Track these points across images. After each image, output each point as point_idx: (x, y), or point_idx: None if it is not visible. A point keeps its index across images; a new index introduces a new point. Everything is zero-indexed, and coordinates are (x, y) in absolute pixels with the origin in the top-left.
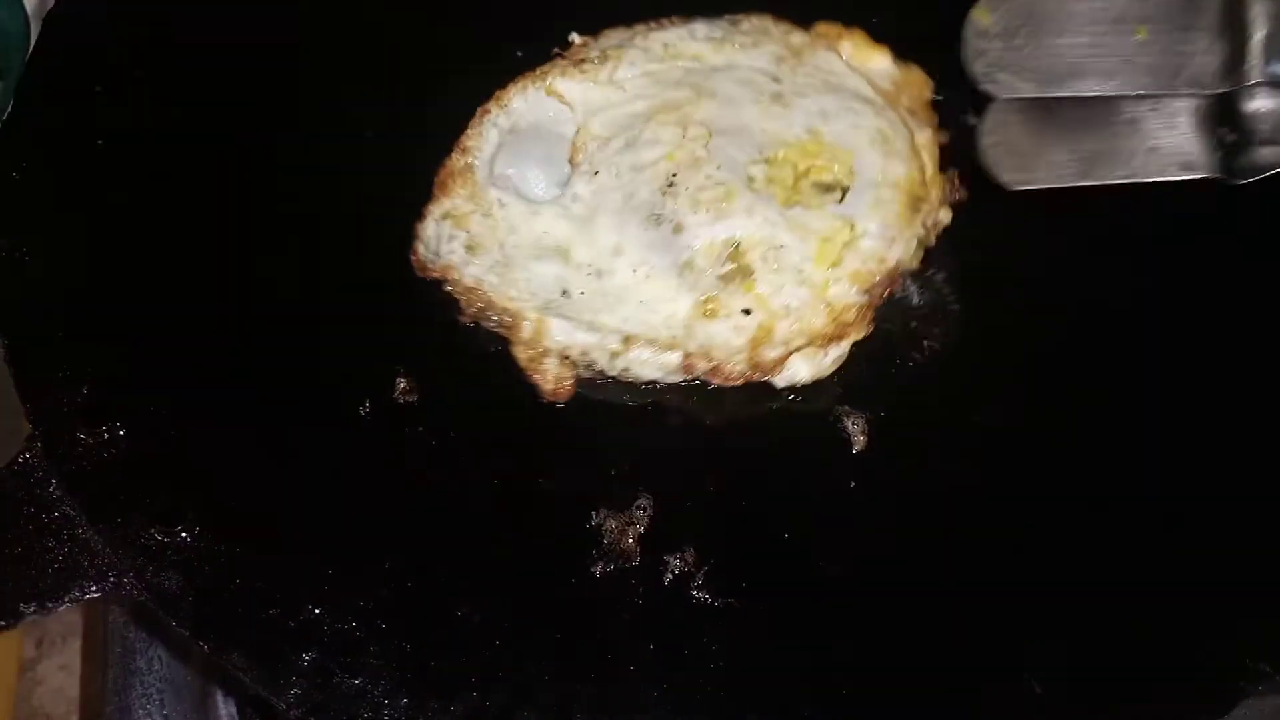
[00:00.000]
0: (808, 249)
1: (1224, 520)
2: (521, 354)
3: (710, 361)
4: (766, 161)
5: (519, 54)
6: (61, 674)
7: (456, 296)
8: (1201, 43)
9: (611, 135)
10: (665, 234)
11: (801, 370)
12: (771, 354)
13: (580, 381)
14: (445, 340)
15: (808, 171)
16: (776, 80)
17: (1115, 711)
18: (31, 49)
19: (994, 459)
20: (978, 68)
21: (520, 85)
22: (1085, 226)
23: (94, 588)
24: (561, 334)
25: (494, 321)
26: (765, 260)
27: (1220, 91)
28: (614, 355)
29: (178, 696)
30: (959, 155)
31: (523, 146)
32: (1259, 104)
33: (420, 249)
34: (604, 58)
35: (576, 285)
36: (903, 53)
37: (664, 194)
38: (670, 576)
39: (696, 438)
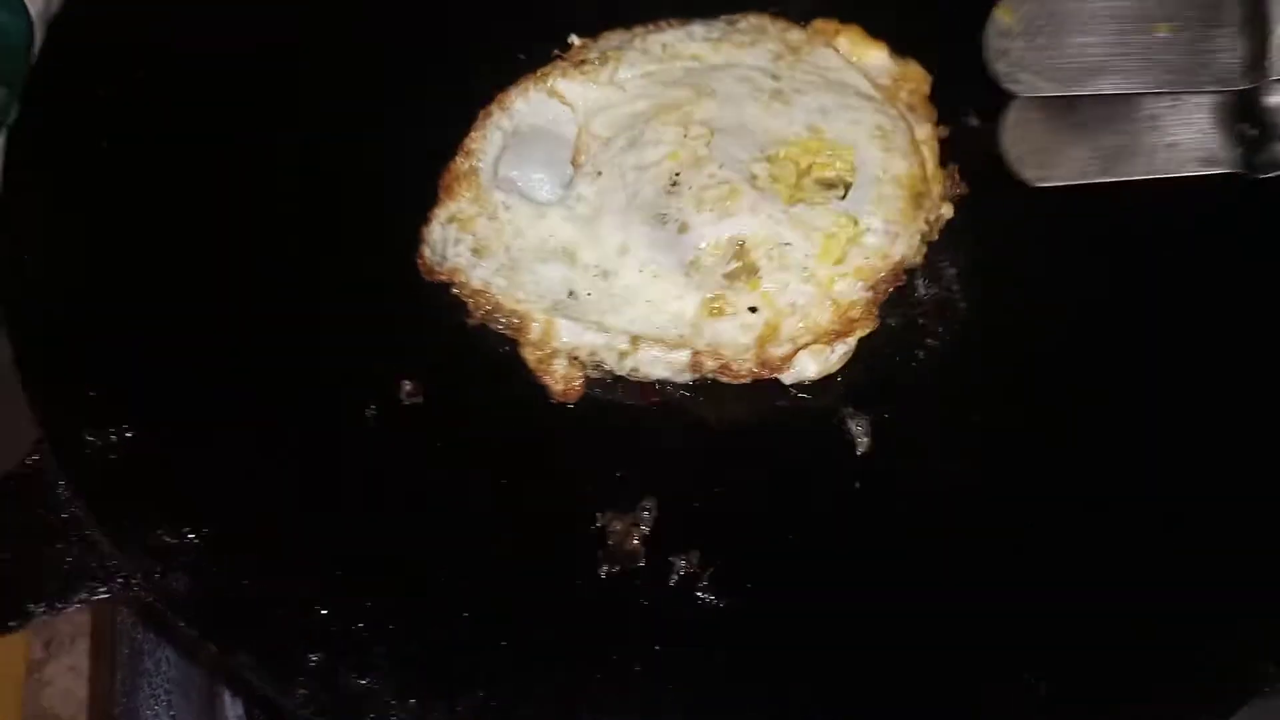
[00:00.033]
0: (812, 246)
1: (1230, 519)
2: (530, 355)
3: (718, 360)
4: (768, 159)
5: (521, 57)
6: (69, 675)
7: (464, 299)
8: (1224, 39)
9: (613, 135)
10: (670, 233)
11: (809, 367)
12: (779, 351)
13: (589, 382)
14: (452, 343)
15: (810, 168)
16: (775, 78)
17: (1118, 712)
18: (36, 54)
19: (998, 460)
20: (1000, 67)
21: (522, 87)
22: (1090, 221)
23: (102, 589)
24: (570, 335)
25: (502, 323)
26: (770, 258)
27: (1242, 87)
28: (623, 355)
29: (185, 697)
30: (960, 150)
31: (526, 148)
32: None
33: (426, 252)
34: (604, 59)
35: (583, 286)
36: (900, 48)
37: (668, 193)
38: (675, 578)
39: (701, 440)
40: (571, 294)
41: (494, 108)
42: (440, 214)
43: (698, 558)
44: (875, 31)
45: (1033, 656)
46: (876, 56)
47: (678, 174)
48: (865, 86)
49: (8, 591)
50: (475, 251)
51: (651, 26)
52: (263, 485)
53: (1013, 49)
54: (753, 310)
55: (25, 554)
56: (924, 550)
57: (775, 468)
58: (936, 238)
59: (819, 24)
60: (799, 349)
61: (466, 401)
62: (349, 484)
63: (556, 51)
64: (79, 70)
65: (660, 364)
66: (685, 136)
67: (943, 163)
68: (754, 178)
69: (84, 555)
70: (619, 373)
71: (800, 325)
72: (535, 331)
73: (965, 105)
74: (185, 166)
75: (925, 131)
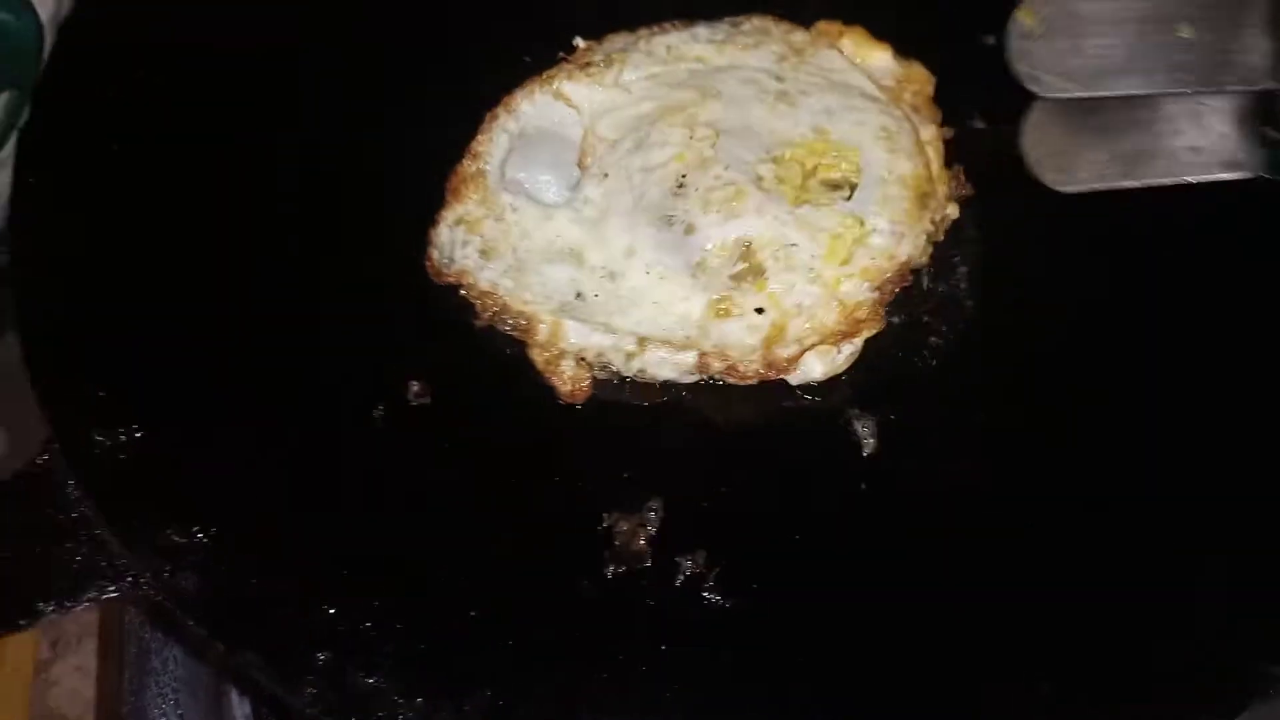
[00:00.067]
0: (818, 247)
1: (1234, 520)
2: (538, 356)
3: (725, 361)
4: (774, 160)
5: (527, 59)
6: (76, 675)
7: (472, 300)
8: (1247, 40)
9: (619, 138)
10: (677, 235)
11: (815, 368)
12: (785, 352)
13: (596, 383)
14: (460, 344)
15: (815, 170)
16: (780, 79)
17: (1121, 713)
18: (46, 57)
19: (1003, 461)
20: (1022, 68)
21: (528, 90)
22: (1095, 221)
23: (112, 588)
24: (577, 336)
25: (509, 325)
26: (777, 259)
27: (1265, 89)
28: (630, 356)
29: (193, 697)
30: (964, 151)
31: (532, 151)
32: None
33: (434, 254)
34: (609, 61)
35: (590, 287)
36: (904, 50)
37: (674, 195)
38: (682, 578)
39: (708, 441)
40: (579, 295)
41: (500, 110)
42: (448, 216)
43: (704, 558)
44: (879, 33)
45: (1037, 656)
46: (880, 58)
47: (684, 176)
48: (870, 88)
49: (18, 590)
50: (483, 253)
51: (655, 28)
52: (271, 485)
53: (1034, 50)
54: (759, 311)
55: (35, 553)
56: (929, 551)
57: (781, 468)
58: (942, 238)
59: (823, 26)
60: (805, 350)
61: (474, 402)
62: (357, 484)
63: (561, 54)
64: (89, 73)
65: (667, 365)
66: (691, 138)
67: (948, 164)
68: (760, 179)
69: (93, 554)
70: (626, 374)
71: (807, 326)
72: (543, 333)
73: (969, 106)
74: (194, 169)
75: (930, 132)
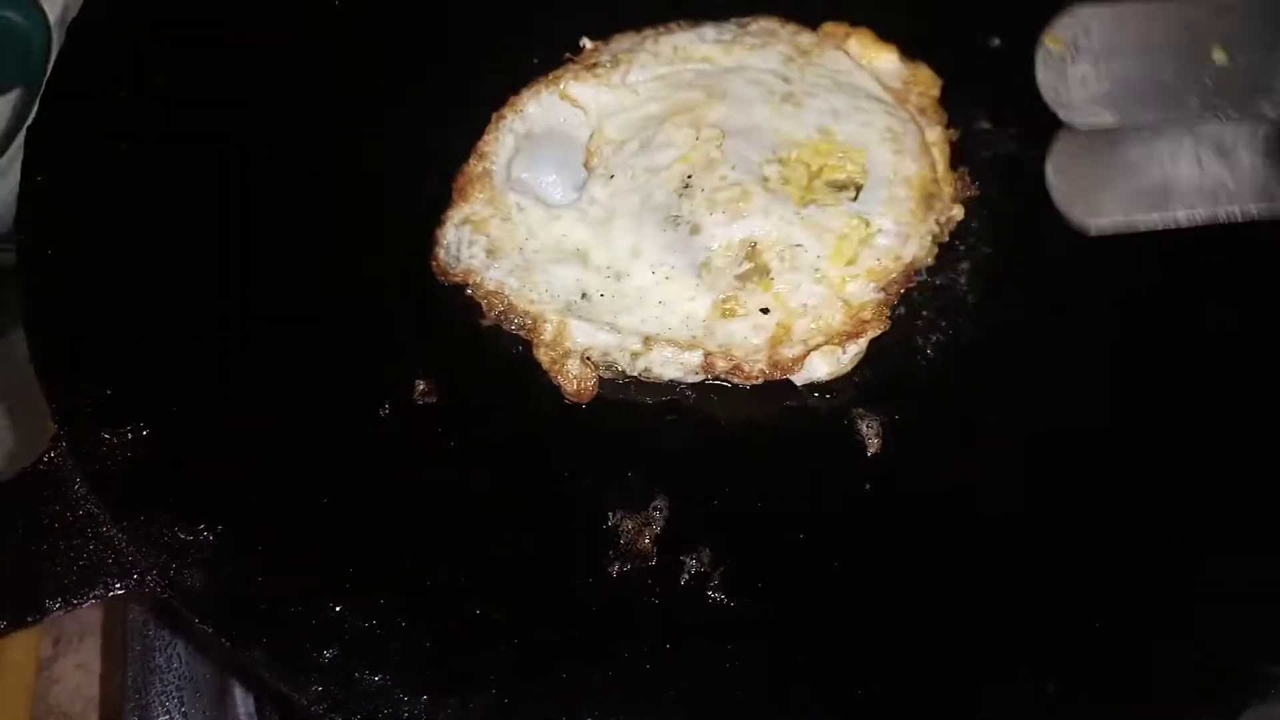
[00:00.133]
0: (824, 247)
1: (1236, 519)
2: (544, 356)
3: (730, 361)
4: (780, 161)
5: (535, 60)
6: (79, 672)
7: (478, 300)
8: None
9: (626, 138)
10: (682, 235)
11: (820, 368)
12: (790, 352)
13: (601, 382)
14: (466, 343)
15: (821, 170)
16: (786, 80)
17: (1121, 713)
18: (55, 57)
19: (1005, 462)
20: (1053, 97)
21: (534, 90)
22: None
23: (118, 585)
24: (583, 335)
25: (515, 324)
26: (782, 259)
27: None
28: (635, 356)
29: (196, 694)
30: (970, 153)
31: (539, 151)
32: None
33: (441, 254)
34: (615, 62)
35: (596, 287)
36: (910, 51)
37: (680, 195)
38: (686, 577)
39: (712, 440)
40: (584, 295)
41: (507, 111)
42: (454, 216)
43: (708, 557)
44: (886, 35)
45: (1038, 656)
46: (887, 60)
47: (690, 176)
48: (876, 89)
49: (24, 587)
50: (489, 253)
51: (662, 29)
52: (277, 483)
53: (1064, 78)
54: (764, 311)
55: (41, 550)
56: (932, 550)
57: (786, 468)
58: (947, 239)
59: (829, 27)
60: (810, 350)
61: (479, 401)
62: (363, 482)
63: (568, 55)
64: (96, 73)
65: (672, 364)
66: (697, 139)
67: (953, 165)
68: (765, 180)
69: (99, 551)
70: (631, 373)
71: (812, 326)
72: (548, 332)
73: (975, 108)
74: (202, 168)
75: (936, 134)
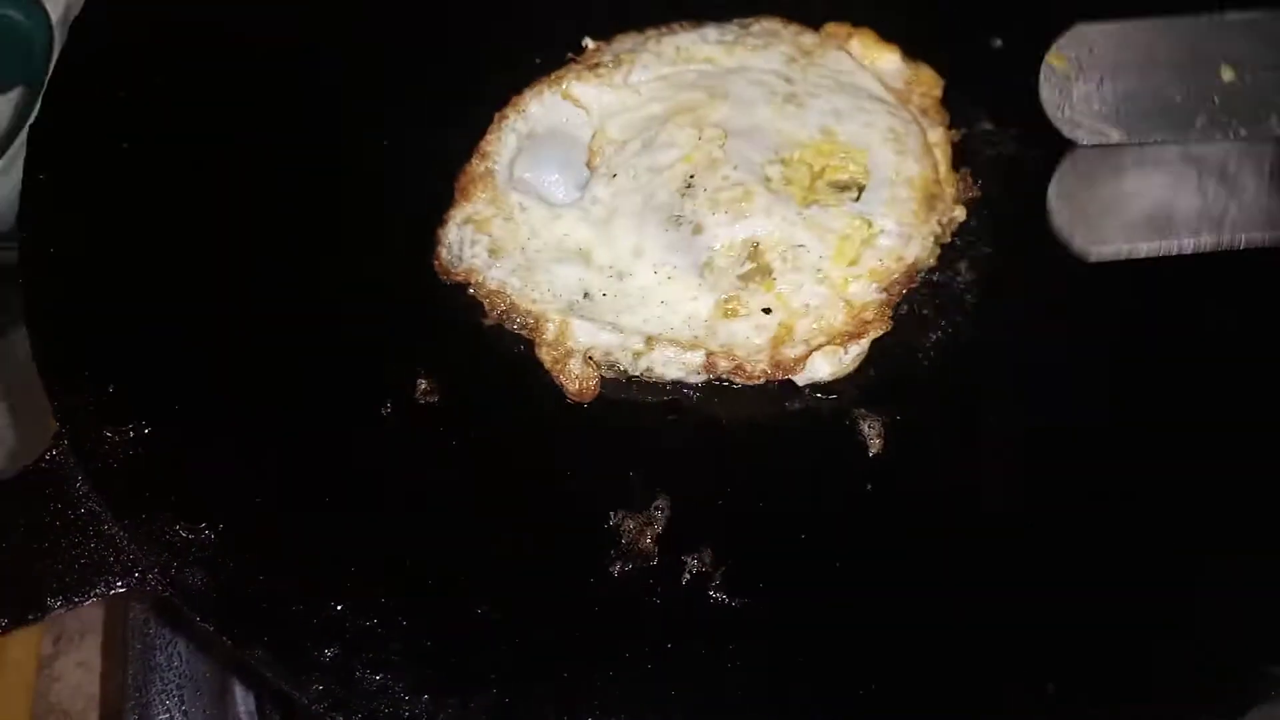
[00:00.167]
0: (826, 247)
1: (1236, 519)
2: (546, 355)
3: (732, 360)
4: (783, 161)
5: (537, 60)
6: (79, 670)
7: (480, 299)
8: None
9: (628, 138)
10: (685, 235)
11: (822, 368)
12: (792, 352)
13: (603, 382)
14: (468, 342)
15: (823, 171)
16: (789, 81)
17: (1121, 713)
18: (57, 56)
19: (1006, 462)
20: (1058, 115)
21: (537, 90)
22: None
23: (119, 583)
24: (585, 335)
25: (517, 323)
26: (784, 259)
27: None
28: (637, 355)
29: (197, 692)
30: (972, 153)
31: (541, 151)
32: None
33: (443, 253)
34: (618, 62)
35: (598, 287)
36: (912, 52)
37: (682, 195)
38: (688, 576)
39: (714, 440)
40: (586, 295)
41: (509, 110)
42: (456, 215)
43: (710, 557)
44: (888, 35)
45: (1038, 656)
46: (889, 60)
47: (692, 176)
48: (878, 90)
49: (26, 585)
50: (491, 252)
51: (664, 29)
52: (279, 481)
53: (1069, 96)
54: (767, 311)
55: (43, 548)
56: (933, 551)
57: (788, 468)
58: (949, 240)
59: (831, 28)
60: (812, 350)
61: (481, 400)
62: (364, 481)
63: (570, 55)
64: (99, 72)
65: (674, 364)
66: (699, 139)
67: (955, 166)
68: (768, 180)
69: (101, 549)
70: (633, 373)
71: (814, 326)
72: (550, 331)
73: (978, 109)
74: (204, 168)
75: (938, 135)
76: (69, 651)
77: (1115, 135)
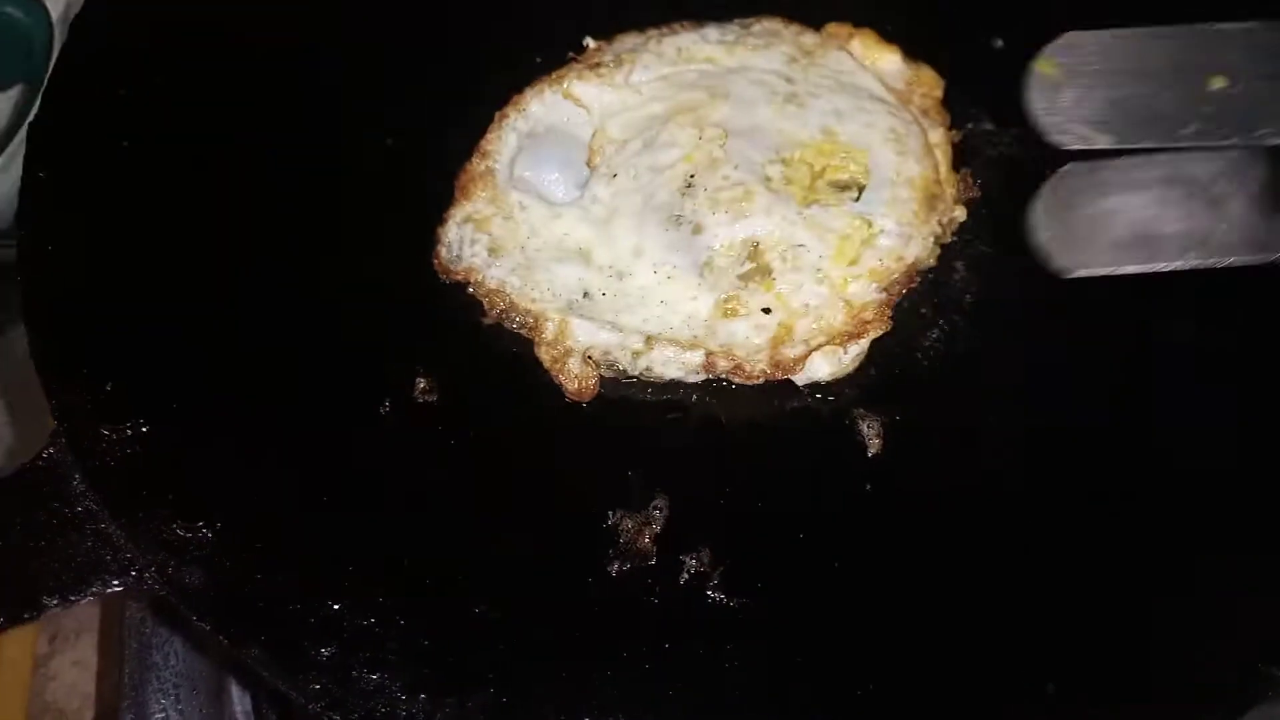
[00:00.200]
0: (826, 247)
1: (1236, 519)
2: (545, 355)
3: (732, 360)
4: (783, 161)
5: (538, 60)
6: (75, 669)
7: (479, 299)
8: None
9: (629, 138)
10: (685, 234)
11: (822, 368)
12: (792, 352)
13: (603, 381)
14: (467, 341)
15: (824, 171)
16: (789, 81)
17: (1121, 713)
18: (57, 54)
19: (1006, 462)
20: (1045, 120)
21: (537, 89)
22: None
23: (116, 581)
24: (584, 334)
25: (517, 323)
26: (784, 259)
27: None
28: (636, 355)
29: (193, 691)
30: (972, 154)
31: (541, 150)
32: None
33: (442, 252)
34: (619, 61)
35: (598, 286)
36: (913, 53)
37: (683, 195)
38: (686, 576)
39: (713, 440)
40: (586, 294)
41: (510, 109)
42: (456, 214)
43: (708, 557)
44: (889, 36)
45: (1038, 656)
46: (890, 61)
47: (692, 176)
48: (879, 90)
49: (22, 583)
50: (491, 251)
51: (665, 29)
52: (276, 480)
53: (1057, 101)
54: (766, 311)
55: (40, 546)
56: (932, 551)
57: (787, 468)
58: (949, 240)
59: (832, 28)
60: (812, 350)
61: (480, 399)
62: (362, 479)
63: (571, 54)
64: (99, 70)
65: (674, 364)
66: (700, 139)
67: (956, 166)
68: (768, 180)
69: (98, 548)
70: (632, 372)
71: (814, 326)
72: (550, 331)
73: (978, 110)
74: (203, 167)
75: (938, 135)
76: (65, 650)
77: (1103, 141)
